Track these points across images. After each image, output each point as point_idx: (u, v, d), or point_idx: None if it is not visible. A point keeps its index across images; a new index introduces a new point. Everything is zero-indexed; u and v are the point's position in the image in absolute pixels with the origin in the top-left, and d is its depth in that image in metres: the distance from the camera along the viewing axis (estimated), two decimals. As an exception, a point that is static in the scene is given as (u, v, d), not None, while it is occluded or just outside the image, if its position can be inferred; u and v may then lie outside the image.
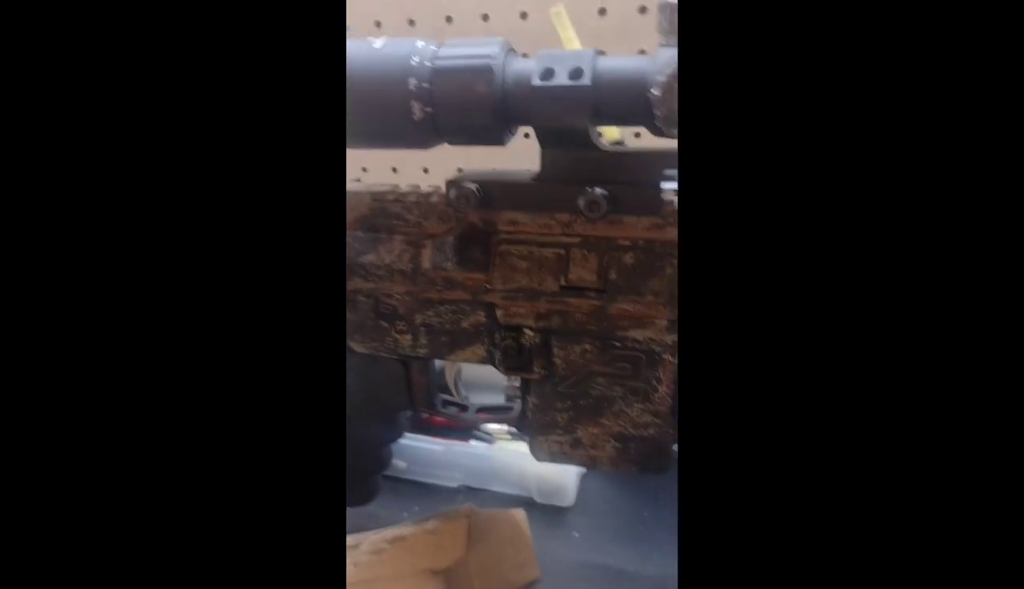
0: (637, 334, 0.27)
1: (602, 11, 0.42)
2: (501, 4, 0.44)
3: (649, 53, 0.42)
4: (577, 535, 0.38)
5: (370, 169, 0.51)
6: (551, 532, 0.38)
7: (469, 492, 0.42)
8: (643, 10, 0.41)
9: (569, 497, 0.40)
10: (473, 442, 0.43)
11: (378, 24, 0.48)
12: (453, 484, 0.42)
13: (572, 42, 0.37)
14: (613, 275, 0.26)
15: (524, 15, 0.44)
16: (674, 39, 0.22)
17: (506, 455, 0.42)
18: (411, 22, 0.46)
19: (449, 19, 0.46)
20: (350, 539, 0.31)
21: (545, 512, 0.40)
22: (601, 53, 0.24)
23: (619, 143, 0.28)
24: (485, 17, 0.44)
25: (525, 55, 0.26)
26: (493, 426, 0.44)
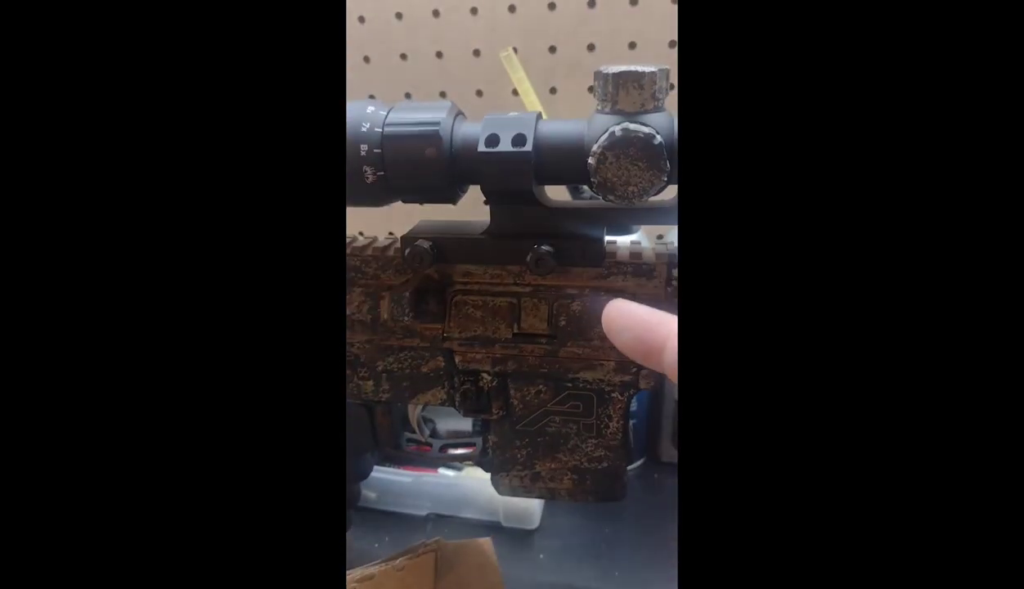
0: (587, 375, 0.28)
1: (552, 49, 0.43)
2: (456, 42, 0.45)
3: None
4: (543, 557, 0.40)
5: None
6: (518, 555, 0.40)
7: (438, 519, 0.43)
8: (591, 48, 0.43)
9: (534, 520, 0.42)
10: (441, 470, 0.44)
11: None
12: (422, 512, 0.43)
13: (523, 83, 0.38)
14: (562, 322, 0.28)
15: (477, 52, 0.45)
16: (608, 106, 0.24)
17: (473, 482, 0.43)
18: (366, 59, 0.47)
19: (404, 56, 0.46)
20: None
21: (512, 535, 0.41)
22: (540, 116, 0.25)
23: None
24: (439, 55, 0.45)
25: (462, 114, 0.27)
26: (461, 453, 0.45)
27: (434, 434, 0.47)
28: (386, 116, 0.25)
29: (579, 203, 0.27)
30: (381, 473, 0.43)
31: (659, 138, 0.22)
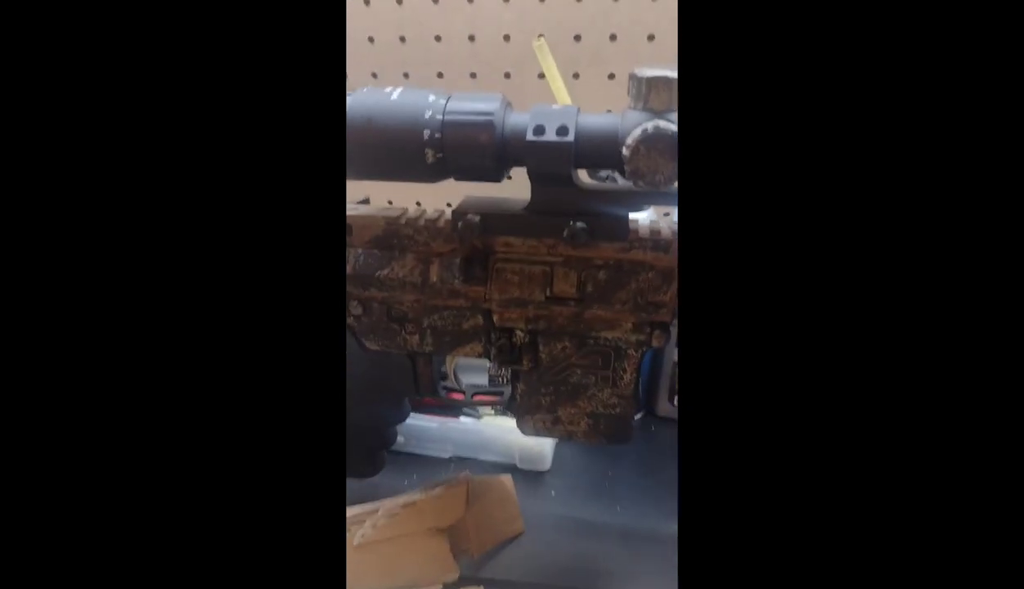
0: (607, 334, 0.33)
1: (577, 37, 0.47)
2: (487, 27, 0.48)
3: (617, 77, 0.47)
4: (554, 494, 0.45)
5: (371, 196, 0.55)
6: (532, 492, 0.45)
7: (460, 462, 0.48)
8: (613, 38, 0.46)
9: (546, 463, 0.47)
10: (463, 418, 0.49)
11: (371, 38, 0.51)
12: (446, 455, 0.48)
13: (552, 70, 0.42)
14: (589, 288, 0.32)
15: (507, 37, 0.48)
16: (640, 104, 0.28)
17: (491, 429, 0.48)
18: (402, 39, 0.50)
19: (438, 38, 0.49)
20: (370, 505, 0.37)
21: (526, 476, 0.47)
22: (579, 111, 0.29)
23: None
24: (471, 38, 0.48)
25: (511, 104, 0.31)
26: (481, 405, 0.51)
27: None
28: (446, 105, 0.29)
29: (609, 186, 0.31)
30: (410, 419, 0.48)
31: (683, 136, 0.26)
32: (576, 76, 0.45)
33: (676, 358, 0.51)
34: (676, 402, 0.53)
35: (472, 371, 0.48)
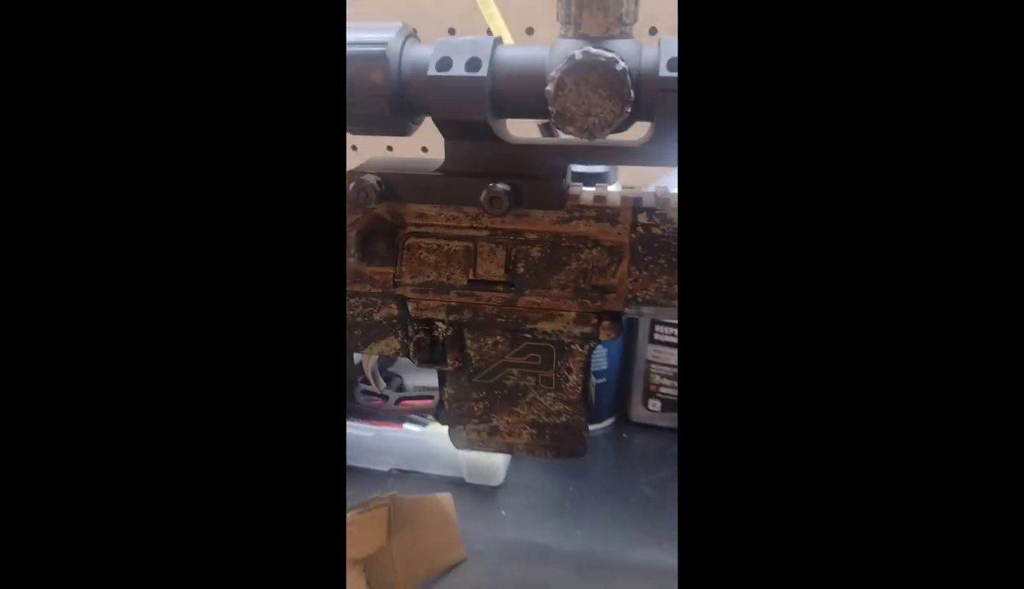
0: (546, 326, 0.27)
1: (529, -15, 0.41)
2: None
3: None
4: (504, 514, 0.39)
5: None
6: (480, 511, 0.39)
7: (401, 475, 0.42)
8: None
9: (499, 477, 0.41)
10: (406, 425, 0.43)
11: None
12: (385, 468, 0.42)
13: (495, 19, 0.36)
14: (521, 269, 0.26)
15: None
16: (571, 30, 0.22)
17: (437, 438, 0.42)
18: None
19: None
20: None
21: (475, 492, 0.41)
22: (500, 42, 0.23)
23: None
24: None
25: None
26: (426, 408, 0.44)
27: (401, 388, 0.46)
28: (331, 35, 0.23)
29: (540, 139, 0.25)
30: (343, 427, 0.42)
31: (622, 64, 0.20)
32: (530, 31, 0.39)
33: (649, 356, 0.45)
34: (651, 406, 0.47)
35: (417, 369, 0.41)
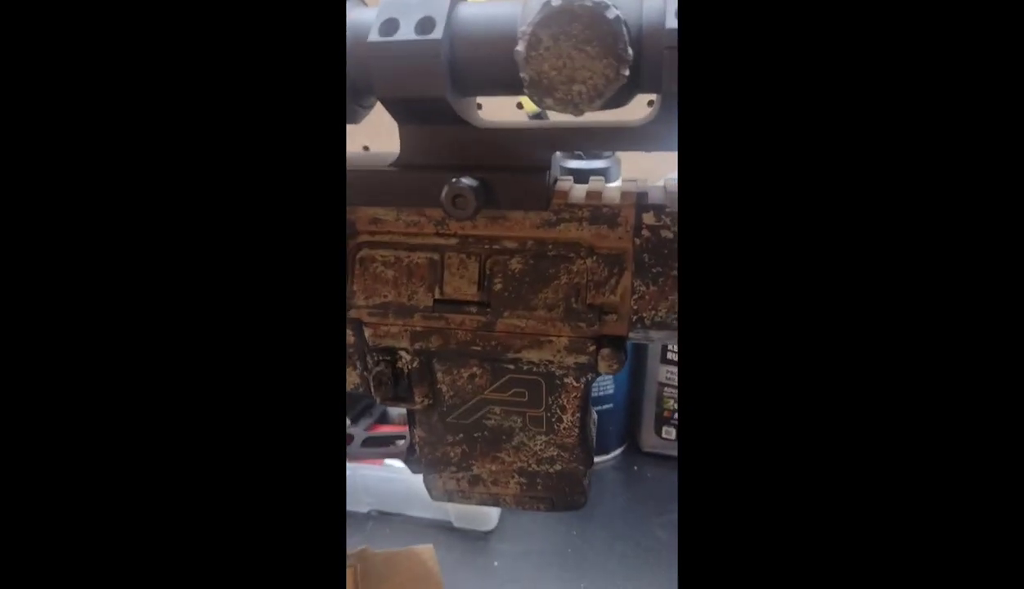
0: (532, 355, 0.22)
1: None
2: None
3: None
4: (498, 564, 0.34)
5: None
6: (470, 561, 0.34)
7: (381, 517, 0.37)
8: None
9: (491, 521, 0.36)
10: (387, 462, 0.38)
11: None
12: (363, 509, 0.37)
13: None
14: (498, 285, 0.21)
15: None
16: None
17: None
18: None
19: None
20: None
21: (464, 538, 0.36)
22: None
23: (538, 115, 0.22)
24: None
25: None
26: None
27: (384, 419, 0.41)
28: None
29: (515, 123, 0.20)
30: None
31: (615, 11, 0.15)
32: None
33: (662, 378, 0.40)
34: (665, 434, 0.41)
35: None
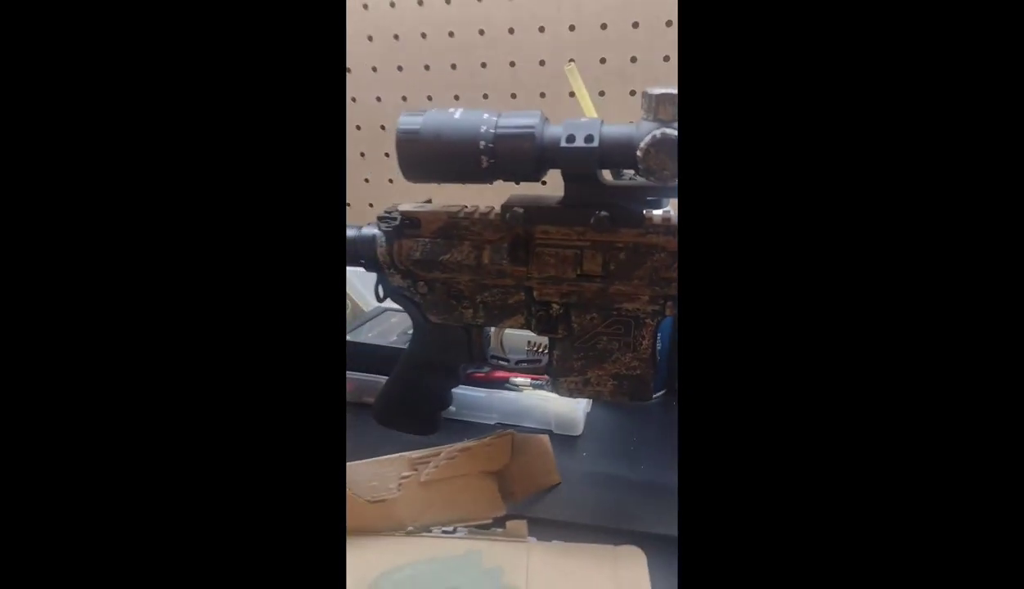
0: (628, 306, 0.40)
1: (602, 60, 0.54)
2: (526, 54, 0.56)
3: (638, 95, 0.54)
4: (585, 454, 0.52)
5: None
6: (566, 453, 0.52)
7: (502, 428, 0.55)
8: (634, 60, 0.54)
9: (579, 428, 0.54)
10: (506, 389, 0.57)
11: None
12: (491, 421, 0.56)
13: (581, 90, 0.49)
14: (612, 267, 0.39)
15: (542, 62, 0.56)
16: (651, 115, 0.35)
17: (530, 399, 0.55)
18: (453, 66, 0.58)
19: (484, 65, 0.58)
20: (432, 449, 0.45)
21: (561, 440, 0.53)
22: (603, 122, 0.37)
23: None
24: (512, 64, 0.57)
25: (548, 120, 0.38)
26: (520, 380, 0.58)
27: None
28: (497, 121, 0.37)
29: (627, 182, 0.39)
30: (459, 390, 0.55)
31: (685, 141, 0.34)
32: (602, 93, 0.52)
33: (694, 338, 0.57)
34: (695, 379, 0.59)
35: (511, 351, 0.55)
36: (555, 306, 0.41)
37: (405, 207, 0.43)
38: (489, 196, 0.41)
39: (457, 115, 0.38)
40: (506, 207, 0.40)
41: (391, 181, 0.65)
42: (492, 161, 0.37)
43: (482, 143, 0.37)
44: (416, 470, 0.43)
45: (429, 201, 0.45)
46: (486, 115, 0.37)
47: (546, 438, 0.49)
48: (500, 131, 0.37)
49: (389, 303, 0.68)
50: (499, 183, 0.39)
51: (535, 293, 0.41)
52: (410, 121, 0.37)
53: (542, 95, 0.57)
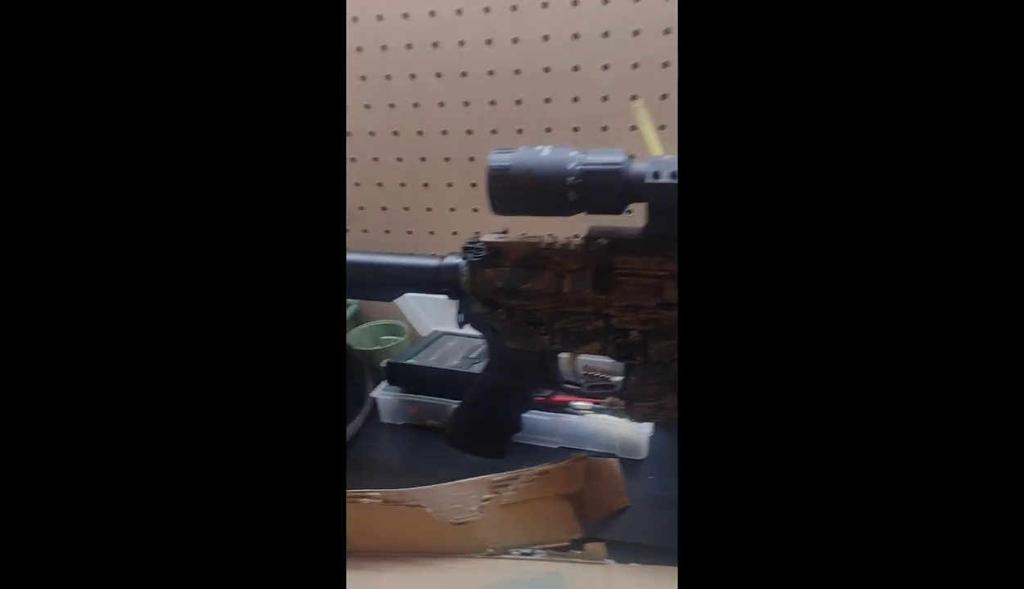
0: (706, 333, 0.41)
1: (663, 96, 0.56)
2: (590, 90, 0.58)
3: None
4: (651, 478, 0.53)
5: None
6: (632, 476, 0.53)
7: (566, 451, 0.56)
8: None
9: (643, 452, 0.55)
10: (569, 409, 0.58)
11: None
12: (555, 445, 0.57)
13: (647, 126, 0.51)
14: (692, 296, 0.41)
15: (606, 98, 0.59)
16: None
17: (594, 423, 0.56)
18: (518, 102, 0.61)
19: (548, 101, 0.60)
20: (513, 472, 0.46)
21: (626, 464, 0.54)
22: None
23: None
24: (575, 99, 0.59)
25: (634, 156, 0.41)
26: (580, 405, 0.59)
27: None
28: (585, 157, 0.39)
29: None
30: (526, 414, 0.57)
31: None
32: (663, 127, 0.55)
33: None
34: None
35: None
36: (633, 333, 0.43)
37: (488, 237, 0.45)
38: (556, 227, 0.43)
39: (545, 153, 0.40)
40: (590, 238, 0.41)
41: (453, 210, 0.67)
42: (579, 196, 0.39)
43: (570, 179, 0.39)
44: (496, 493, 0.44)
45: (506, 232, 0.47)
46: (574, 153, 0.39)
47: (616, 462, 0.50)
48: (588, 167, 0.39)
49: (444, 327, 0.70)
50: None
51: (614, 321, 0.43)
52: (501, 158, 0.40)
53: (604, 129, 0.59)
